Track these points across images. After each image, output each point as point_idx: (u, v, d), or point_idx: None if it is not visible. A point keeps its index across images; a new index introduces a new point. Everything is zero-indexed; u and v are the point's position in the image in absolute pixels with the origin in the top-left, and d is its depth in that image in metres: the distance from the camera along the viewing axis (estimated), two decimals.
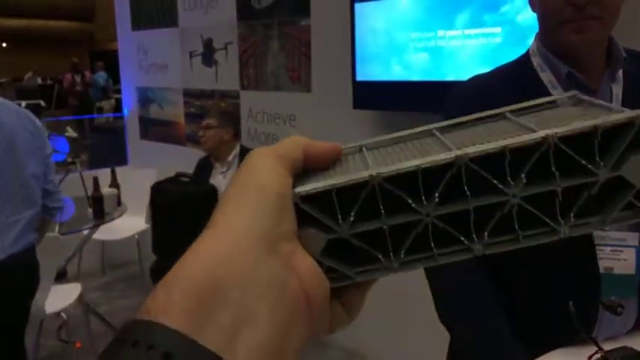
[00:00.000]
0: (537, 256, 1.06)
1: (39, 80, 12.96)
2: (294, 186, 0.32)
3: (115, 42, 4.60)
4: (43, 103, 3.04)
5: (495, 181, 0.32)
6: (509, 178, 0.32)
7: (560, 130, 0.32)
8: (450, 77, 2.24)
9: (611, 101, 1.07)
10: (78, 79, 11.91)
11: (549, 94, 1.07)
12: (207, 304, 0.25)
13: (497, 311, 1.08)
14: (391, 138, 0.40)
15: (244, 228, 0.28)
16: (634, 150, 0.32)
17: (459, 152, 0.32)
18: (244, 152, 2.98)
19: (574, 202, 0.33)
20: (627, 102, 1.06)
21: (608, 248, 1.05)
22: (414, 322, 2.50)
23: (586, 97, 0.40)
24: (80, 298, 2.85)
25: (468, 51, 2.19)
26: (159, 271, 2.93)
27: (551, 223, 0.33)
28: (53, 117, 5.16)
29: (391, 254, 0.33)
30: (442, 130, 0.39)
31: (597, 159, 0.32)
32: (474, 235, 0.33)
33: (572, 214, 0.33)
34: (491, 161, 0.32)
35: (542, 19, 1.09)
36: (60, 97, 12.24)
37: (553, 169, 0.32)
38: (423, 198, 0.32)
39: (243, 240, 0.28)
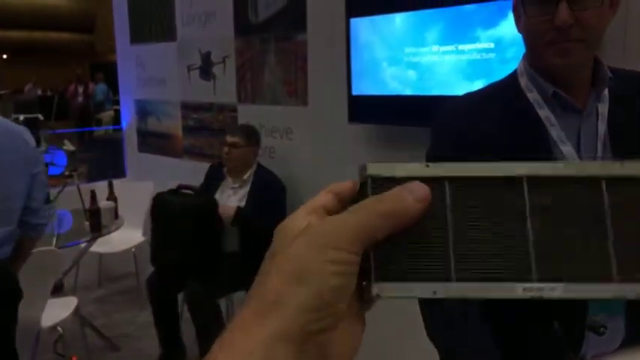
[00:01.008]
0: None
1: (39, 92, 13.01)
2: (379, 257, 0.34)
3: (115, 54, 4.63)
4: (41, 116, 3.05)
5: None
6: None
7: None
8: (445, 92, 2.26)
9: (597, 120, 1.08)
10: (80, 90, 11.97)
11: (536, 114, 1.09)
12: None
13: (485, 333, 1.08)
14: (474, 177, 0.36)
15: (286, 324, 0.30)
16: None
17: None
18: (261, 171, 2.98)
19: None
20: (613, 121, 1.08)
21: None
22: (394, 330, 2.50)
23: None
24: (76, 312, 2.85)
25: (463, 66, 2.21)
26: (155, 284, 2.93)
27: None
28: (52, 130, 5.18)
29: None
30: (532, 183, 0.36)
31: None
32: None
33: None
34: None
35: (527, 41, 1.11)
36: (60, 108, 12.29)
37: None
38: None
39: (282, 336, 0.30)
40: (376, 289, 0.34)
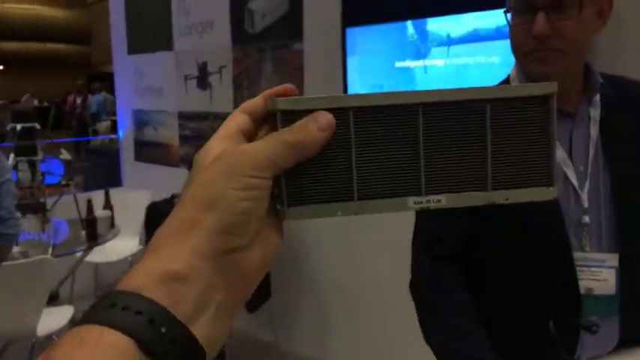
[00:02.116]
0: (518, 279, 1.08)
1: (35, 102, 13.02)
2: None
3: (112, 64, 4.65)
4: (37, 125, 3.07)
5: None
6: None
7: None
8: None
9: (589, 124, 1.10)
10: (79, 101, 12.00)
11: None
12: (175, 293, 0.32)
13: (481, 334, 1.09)
14: (377, 106, 0.40)
15: (202, 244, 0.34)
16: None
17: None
18: None
19: None
20: (605, 125, 1.10)
21: (589, 269, 1.07)
22: (389, 335, 2.50)
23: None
24: (72, 321, 2.84)
25: (460, 75, 2.23)
26: None
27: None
28: (49, 139, 5.19)
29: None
30: (426, 109, 0.39)
31: None
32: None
33: None
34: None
35: (512, 50, 1.13)
36: (56, 119, 12.29)
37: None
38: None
39: (201, 253, 0.34)
40: (287, 213, 0.38)
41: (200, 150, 0.39)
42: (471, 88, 0.39)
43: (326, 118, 0.37)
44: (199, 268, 0.33)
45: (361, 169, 0.38)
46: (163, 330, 0.30)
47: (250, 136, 0.40)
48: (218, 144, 0.38)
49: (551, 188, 0.40)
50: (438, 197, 0.39)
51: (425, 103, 0.38)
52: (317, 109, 0.37)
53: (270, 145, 0.36)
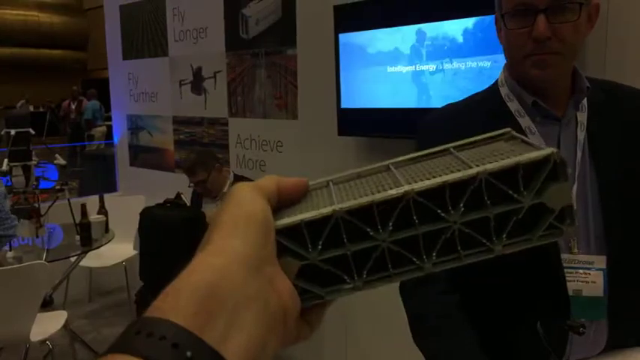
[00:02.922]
0: (506, 281, 1.09)
1: (31, 108, 13.01)
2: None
3: (108, 70, 4.66)
4: (32, 131, 3.06)
5: (439, 211, 0.38)
6: (450, 208, 0.38)
7: (489, 167, 0.38)
8: (432, 105, 2.29)
9: (576, 128, 1.11)
10: (74, 106, 11.99)
11: (517, 122, 1.11)
12: (208, 309, 0.31)
13: (470, 335, 1.10)
14: (354, 173, 0.44)
15: (237, 250, 0.34)
16: (552, 180, 0.38)
17: (407, 188, 0.37)
18: (238, 181, 3.02)
19: (506, 226, 0.39)
20: (592, 129, 1.11)
21: (577, 271, 1.08)
22: (383, 340, 2.50)
23: (518, 135, 0.45)
24: (66, 326, 2.84)
25: (451, 79, 2.24)
26: (144, 298, 2.92)
27: (487, 243, 0.39)
28: (43, 145, 5.17)
29: (355, 275, 0.39)
30: (397, 165, 0.44)
31: (521, 189, 0.38)
32: (424, 256, 0.39)
33: (504, 236, 0.39)
34: (436, 193, 0.38)
35: (507, 53, 1.14)
36: (52, 125, 12.27)
37: (485, 199, 0.38)
38: (379, 227, 0.38)
39: (236, 260, 0.33)
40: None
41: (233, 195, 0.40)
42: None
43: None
44: (234, 276, 0.33)
45: (340, 195, 0.41)
46: (189, 354, 0.29)
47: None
48: (251, 192, 0.39)
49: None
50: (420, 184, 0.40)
51: (395, 163, 0.43)
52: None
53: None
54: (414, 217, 0.38)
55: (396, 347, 2.42)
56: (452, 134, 1.17)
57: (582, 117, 1.12)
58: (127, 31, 4.27)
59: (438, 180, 0.37)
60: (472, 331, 1.09)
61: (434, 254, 0.39)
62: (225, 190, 3.02)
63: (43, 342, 2.69)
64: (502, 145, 0.44)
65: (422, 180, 0.38)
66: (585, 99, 1.12)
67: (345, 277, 0.39)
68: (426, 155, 0.45)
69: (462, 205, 0.38)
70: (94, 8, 13.52)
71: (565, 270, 1.07)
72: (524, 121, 1.11)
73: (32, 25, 16.46)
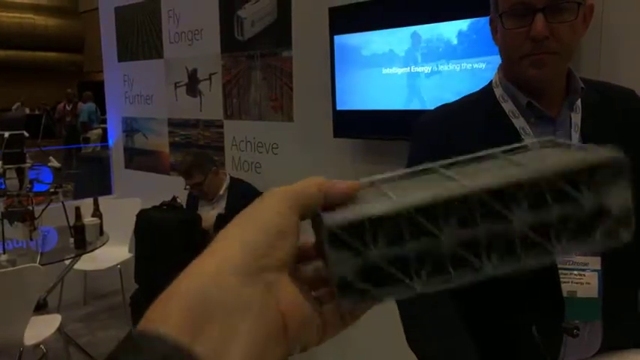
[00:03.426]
0: (501, 282, 1.08)
1: (26, 111, 12.98)
2: (319, 221, 0.36)
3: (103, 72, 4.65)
4: (26, 133, 3.05)
5: (505, 211, 0.36)
6: (515, 209, 0.36)
7: (559, 167, 0.36)
8: (427, 106, 2.29)
9: (570, 129, 1.11)
10: (69, 108, 11.97)
11: (510, 123, 1.11)
12: (199, 318, 0.29)
13: (466, 339, 1.09)
14: (400, 174, 0.42)
15: (234, 254, 0.32)
16: (614, 182, 0.37)
17: (473, 185, 0.36)
18: (234, 184, 3.02)
19: (563, 229, 0.38)
20: (586, 130, 1.11)
21: (571, 272, 1.07)
22: (379, 345, 2.50)
23: (563, 141, 0.44)
24: (60, 330, 2.82)
25: (446, 81, 2.24)
26: (139, 301, 2.91)
27: (548, 246, 0.37)
28: (37, 147, 5.16)
29: (413, 276, 0.37)
30: (444, 167, 0.42)
31: (584, 191, 0.37)
32: (485, 258, 0.38)
33: (563, 238, 0.38)
34: (499, 193, 0.36)
35: (503, 52, 1.14)
36: (47, 127, 12.25)
37: (549, 199, 0.37)
38: (442, 226, 0.36)
39: (231, 265, 0.32)
40: (327, 220, 0.36)
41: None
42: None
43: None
44: (227, 281, 0.31)
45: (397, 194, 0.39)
46: None
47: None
48: (278, 201, 0.37)
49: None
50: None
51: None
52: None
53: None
54: (477, 217, 0.36)
55: (390, 349, 2.42)
56: (446, 135, 1.18)
57: (576, 118, 1.12)
58: (122, 33, 4.26)
59: (507, 178, 0.36)
60: (466, 334, 1.08)
61: (493, 256, 0.37)
62: (221, 192, 3.01)
63: (36, 346, 2.67)
64: (553, 151, 0.43)
65: (482, 180, 0.37)
66: (579, 100, 1.12)
67: (405, 279, 0.37)
68: (473, 158, 0.43)
69: (526, 205, 0.37)
70: (90, 11, 13.50)
71: (559, 271, 1.07)
72: (519, 122, 1.11)
73: (28, 28, 16.42)
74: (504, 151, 0.43)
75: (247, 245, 0.33)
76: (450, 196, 0.36)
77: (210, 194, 3.00)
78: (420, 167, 0.42)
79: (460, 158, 0.43)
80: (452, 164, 0.42)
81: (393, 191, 0.38)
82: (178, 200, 3.07)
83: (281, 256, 0.34)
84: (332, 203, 0.37)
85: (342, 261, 0.35)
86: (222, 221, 2.86)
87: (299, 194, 0.36)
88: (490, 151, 0.43)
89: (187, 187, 3.00)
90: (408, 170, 0.42)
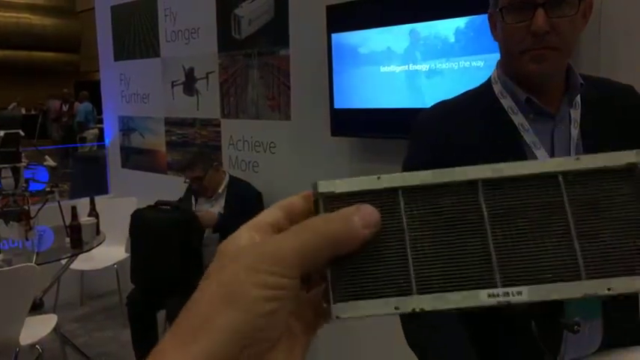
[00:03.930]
0: None
1: (23, 111, 12.94)
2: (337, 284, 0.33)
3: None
4: (22, 132, 3.03)
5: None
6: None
7: None
8: (426, 104, 2.28)
9: (569, 125, 1.10)
10: (65, 108, 11.93)
11: (509, 119, 1.10)
12: None
13: (464, 340, 1.08)
14: (428, 185, 0.35)
15: (214, 352, 0.28)
16: None
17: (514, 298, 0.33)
18: (234, 182, 3.01)
19: None
20: (586, 126, 1.10)
21: None
22: (377, 341, 2.49)
23: None
24: (56, 330, 2.80)
25: (444, 79, 2.23)
26: (135, 301, 2.89)
27: None
28: (33, 147, 5.13)
29: None
30: (487, 186, 0.35)
31: None
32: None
33: None
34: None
35: (503, 48, 1.13)
36: (44, 127, 12.22)
37: None
38: None
39: None
40: (335, 310, 0.33)
41: (224, 241, 0.33)
42: (534, 162, 0.35)
43: (373, 215, 0.32)
44: None
45: (418, 257, 0.33)
46: None
47: None
48: (246, 234, 0.33)
49: None
50: (518, 289, 0.33)
51: (485, 180, 0.34)
52: (365, 192, 0.33)
53: (301, 236, 0.31)
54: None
55: (389, 345, 2.41)
56: (445, 134, 1.17)
57: (576, 114, 1.11)
58: (119, 32, 4.24)
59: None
60: (463, 330, 1.07)
61: None
62: (220, 190, 2.99)
63: (32, 346, 2.66)
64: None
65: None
66: (579, 96, 1.11)
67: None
68: (524, 179, 0.36)
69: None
70: (87, 10, 13.46)
71: None
72: (517, 118, 1.10)
73: (24, 28, 16.36)
74: (565, 174, 0.36)
75: (230, 336, 0.28)
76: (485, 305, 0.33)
77: (209, 190, 2.98)
78: (459, 178, 0.35)
79: (509, 172, 0.35)
80: (499, 182, 0.35)
81: (415, 247, 0.35)
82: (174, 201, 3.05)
83: (269, 337, 0.30)
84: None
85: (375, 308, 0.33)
86: (223, 222, 2.84)
87: (301, 251, 0.31)
88: (548, 169, 0.36)
89: (187, 180, 2.99)
90: (439, 178, 0.35)
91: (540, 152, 1.07)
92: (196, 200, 3.07)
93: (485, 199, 0.34)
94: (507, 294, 0.33)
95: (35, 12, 16.78)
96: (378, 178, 0.34)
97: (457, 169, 0.34)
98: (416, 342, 1.11)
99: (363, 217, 0.32)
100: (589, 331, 1.07)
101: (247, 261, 0.30)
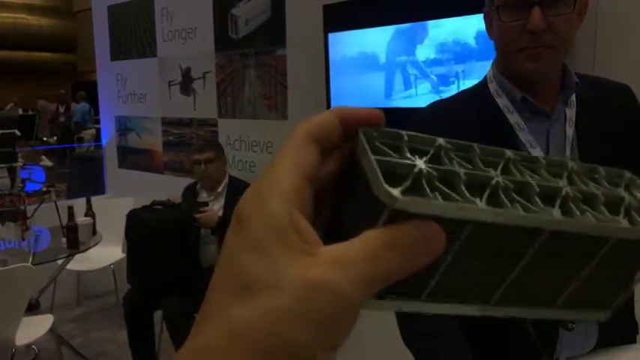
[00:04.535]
0: None
1: (20, 111, 12.91)
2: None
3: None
4: (18, 132, 3.02)
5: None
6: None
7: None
8: (423, 104, 2.28)
9: (565, 124, 1.10)
10: (62, 109, 11.91)
11: (505, 118, 1.10)
12: None
13: (461, 340, 1.08)
14: (499, 225, 0.31)
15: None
16: None
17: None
18: (233, 182, 3.00)
19: None
20: (581, 125, 1.10)
21: None
22: (374, 340, 2.49)
23: None
24: (52, 330, 2.79)
25: (442, 78, 2.23)
26: (132, 302, 2.88)
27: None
28: (29, 147, 5.12)
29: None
30: (546, 239, 0.33)
31: None
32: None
33: None
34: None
35: (499, 46, 1.13)
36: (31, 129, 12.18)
37: None
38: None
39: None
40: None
41: (245, 194, 0.28)
42: (609, 225, 0.32)
43: (441, 242, 0.27)
44: None
45: (442, 276, 0.31)
46: None
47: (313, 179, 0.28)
48: (281, 204, 0.26)
49: (604, 311, 0.38)
50: (500, 308, 0.34)
51: (554, 232, 0.31)
52: (445, 218, 0.28)
53: (368, 264, 0.25)
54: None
55: (387, 347, 2.41)
56: (440, 132, 1.16)
57: (571, 113, 1.11)
58: (115, 32, 4.23)
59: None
60: (460, 330, 1.07)
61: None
62: (219, 189, 2.98)
63: (29, 346, 2.65)
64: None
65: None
66: (574, 95, 1.11)
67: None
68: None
69: None
70: (84, 10, 13.45)
71: None
72: (513, 117, 1.10)
73: (21, 28, 16.32)
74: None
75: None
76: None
77: (213, 181, 2.96)
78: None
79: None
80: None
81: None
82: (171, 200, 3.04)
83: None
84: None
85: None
86: (222, 224, 2.83)
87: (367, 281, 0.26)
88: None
89: (195, 163, 2.95)
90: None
91: (535, 151, 1.07)
92: (197, 194, 3.04)
93: (539, 246, 0.32)
94: (488, 310, 0.33)
95: (32, 12, 16.74)
96: (461, 203, 0.29)
97: (531, 215, 0.30)
98: (412, 342, 1.11)
99: (430, 242, 0.27)
100: (584, 331, 1.07)
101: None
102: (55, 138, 11.52)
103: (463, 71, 2.15)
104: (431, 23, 2.23)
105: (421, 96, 2.30)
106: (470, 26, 2.11)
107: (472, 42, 2.11)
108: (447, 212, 0.27)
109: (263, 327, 0.23)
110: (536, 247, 0.32)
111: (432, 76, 2.25)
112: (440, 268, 0.30)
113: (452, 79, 2.18)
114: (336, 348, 0.25)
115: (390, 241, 0.26)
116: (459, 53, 2.16)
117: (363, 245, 0.26)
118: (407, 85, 2.34)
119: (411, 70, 2.31)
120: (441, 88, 2.21)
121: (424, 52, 2.27)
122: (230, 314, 0.24)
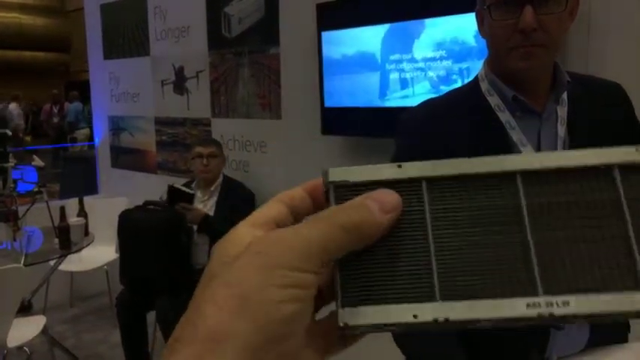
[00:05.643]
0: None
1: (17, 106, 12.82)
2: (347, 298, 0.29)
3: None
4: (9, 132, 3.01)
5: None
6: None
7: None
8: (416, 103, 2.27)
9: (557, 122, 1.10)
10: (56, 110, 11.85)
11: (496, 117, 1.10)
12: None
13: (451, 337, 1.08)
14: (457, 175, 0.30)
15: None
16: None
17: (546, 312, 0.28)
18: (227, 182, 2.99)
19: None
20: (573, 123, 1.10)
21: None
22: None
23: None
24: (45, 331, 2.77)
25: (435, 78, 2.23)
26: (125, 302, 2.87)
27: None
28: (21, 147, 5.08)
29: None
30: (527, 179, 0.30)
31: None
32: None
33: None
34: None
35: (491, 45, 1.13)
36: (34, 127, 12.12)
37: None
38: None
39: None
40: (343, 316, 0.28)
41: (220, 240, 0.29)
42: (582, 150, 0.29)
43: (391, 198, 0.29)
44: None
45: (444, 259, 0.28)
46: None
47: None
48: (246, 231, 0.29)
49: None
50: (564, 298, 0.27)
51: (524, 172, 0.29)
52: (383, 182, 0.29)
53: (318, 228, 0.27)
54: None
55: (377, 346, 2.40)
56: (432, 131, 1.16)
57: (562, 111, 1.11)
58: (108, 31, 4.21)
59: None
60: (454, 336, 1.07)
61: None
62: (212, 188, 2.96)
63: (20, 348, 2.63)
64: None
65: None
66: (565, 93, 1.11)
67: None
68: (572, 174, 0.30)
69: None
70: (77, 10, 13.38)
71: None
72: (504, 116, 1.10)
73: (14, 28, 16.23)
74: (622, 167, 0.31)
75: (246, 351, 0.25)
76: (516, 317, 0.28)
77: (211, 177, 2.94)
78: (493, 169, 0.30)
79: (552, 164, 0.30)
80: (542, 177, 0.30)
81: (442, 251, 0.30)
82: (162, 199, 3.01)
83: (292, 345, 0.26)
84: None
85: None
86: (209, 222, 2.82)
87: (319, 243, 0.27)
88: (599, 161, 0.30)
89: (197, 156, 2.93)
90: (472, 169, 0.31)
91: (527, 149, 1.07)
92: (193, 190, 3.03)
93: (525, 195, 0.29)
94: (551, 304, 0.27)
95: (25, 12, 16.66)
96: (399, 166, 0.30)
97: (491, 158, 0.29)
98: (404, 341, 1.11)
99: (379, 201, 0.28)
100: (576, 330, 1.07)
101: (259, 258, 0.26)
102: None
103: (467, 68, 2.14)
104: (428, 21, 2.22)
105: (419, 95, 2.29)
106: (470, 24, 2.10)
107: (472, 41, 2.11)
108: (385, 175, 0.31)
109: None
110: (525, 202, 0.29)
111: (431, 74, 2.25)
112: (429, 252, 0.29)
113: (454, 76, 2.17)
114: None
115: (339, 207, 0.29)
116: (459, 52, 2.15)
117: (311, 219, 0.29)
118: (403, 84, 2.33)
119: (408, 69, 2.31)
120: (442, 87, 2.21)
121: (421, 50, 2.26)
122: None
